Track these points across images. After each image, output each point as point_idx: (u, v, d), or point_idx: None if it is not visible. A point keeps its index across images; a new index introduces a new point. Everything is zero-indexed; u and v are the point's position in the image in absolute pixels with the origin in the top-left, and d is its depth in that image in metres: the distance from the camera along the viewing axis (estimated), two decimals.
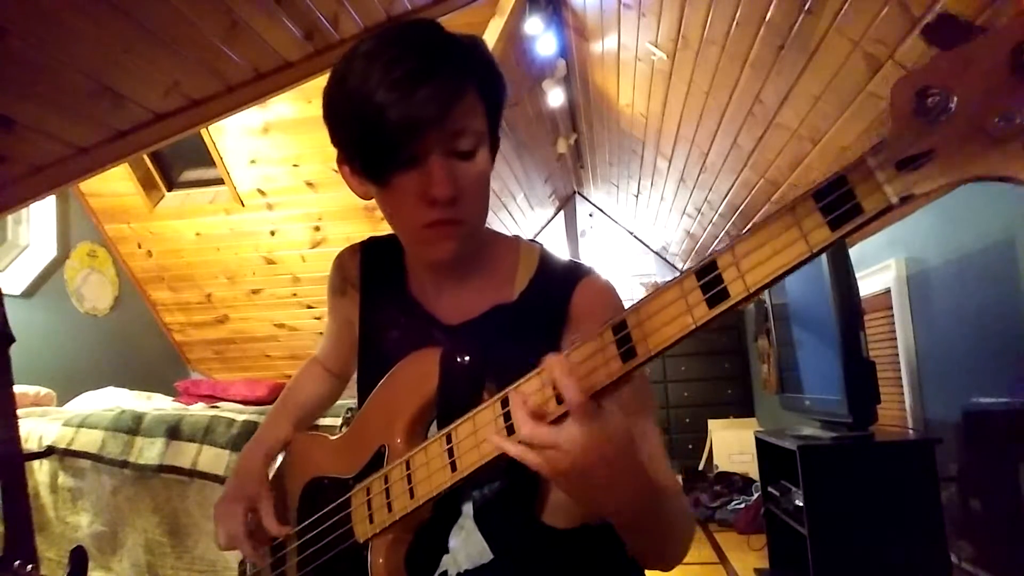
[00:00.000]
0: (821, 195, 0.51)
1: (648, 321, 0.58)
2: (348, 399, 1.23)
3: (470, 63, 0.76)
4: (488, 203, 0.83)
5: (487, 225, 0.87)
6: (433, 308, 0.90)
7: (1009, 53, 0.45)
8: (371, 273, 0.97)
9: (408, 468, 0.75)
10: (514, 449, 0.63)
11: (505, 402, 0.66)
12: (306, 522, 0.88)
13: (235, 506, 0.90)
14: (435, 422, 0.80)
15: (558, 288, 0.86)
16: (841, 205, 0.50)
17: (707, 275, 0.56)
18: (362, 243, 1.00)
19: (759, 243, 0.54)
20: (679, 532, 0.76)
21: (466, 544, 0.80)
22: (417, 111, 0.70)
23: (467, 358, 0.76)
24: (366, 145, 0.74)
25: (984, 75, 0.46)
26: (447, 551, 0.81)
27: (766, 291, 3.06)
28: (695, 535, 0.80)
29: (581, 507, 0.72)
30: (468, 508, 0.81)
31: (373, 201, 0.81)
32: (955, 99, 0.47)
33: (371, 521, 0.78)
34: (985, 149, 0.47)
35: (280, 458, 1.00)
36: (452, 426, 0.71)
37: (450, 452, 0.70)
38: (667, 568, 0.77)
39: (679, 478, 4.36)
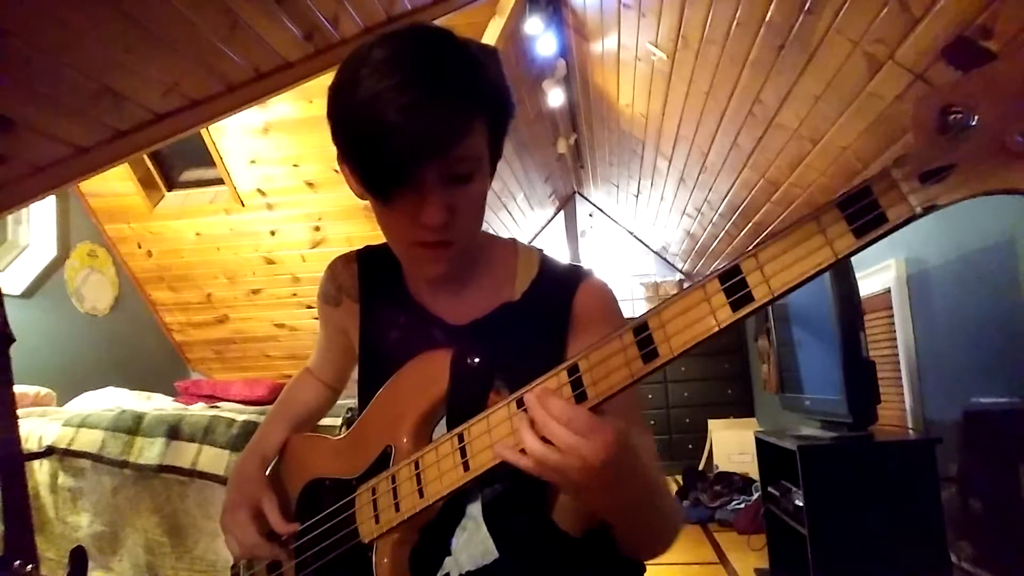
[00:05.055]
0: (846, 204, 0.53)
1: (671, 323, 0.60)
2: (348, 399, 1.22)
3: (480, 89, 0.74)
4: (482, 218, 0.83)
5: (486, 225, 0.88)
6: (435, 309, 0.90)
7: None
8: (370, 280, 0.97)
9: (417, 468, 0.75)
10: (524, 462, 0.63)
11: (520, 402, 0.66)
12: (307, 523, 0.87)
13: (240, 513, 0.89)
14: (442, 423, 0.79)
15: (560, 289, 0.87)
16: (866, 214, 0.53)
17: (730, 279, 0.57)
18: (357, 252, 1.00)
19: (783, 249, 0.56)
20: (670, 525, 0.80)
21: (468, 545, 0.80)
22: (421, 142, 0.69)
23: (477, 360, 0.76)
24: (366, 162, 0.74)
25: (1004, 96, 0.49)
26: (449, 553, 0.80)
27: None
28: (682, 530, 0.83)
29: (583, 507, 0.73)
30: (472, 509, 0.81)
31: None
32: (976, 117, 0.49)
33: (377, 521, 0.77)
34: (1005, 164, 0.49)
35: (274, 461, 0.99)
36: (465, 425, 0.71)
37: (463, 451, 0.70)
38: (658, 555, 0.80)
39: (678, 478, 4.38)
